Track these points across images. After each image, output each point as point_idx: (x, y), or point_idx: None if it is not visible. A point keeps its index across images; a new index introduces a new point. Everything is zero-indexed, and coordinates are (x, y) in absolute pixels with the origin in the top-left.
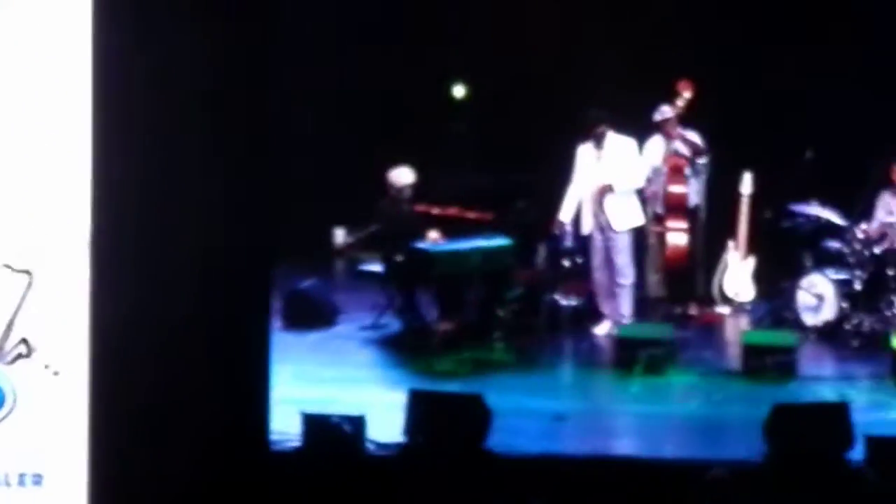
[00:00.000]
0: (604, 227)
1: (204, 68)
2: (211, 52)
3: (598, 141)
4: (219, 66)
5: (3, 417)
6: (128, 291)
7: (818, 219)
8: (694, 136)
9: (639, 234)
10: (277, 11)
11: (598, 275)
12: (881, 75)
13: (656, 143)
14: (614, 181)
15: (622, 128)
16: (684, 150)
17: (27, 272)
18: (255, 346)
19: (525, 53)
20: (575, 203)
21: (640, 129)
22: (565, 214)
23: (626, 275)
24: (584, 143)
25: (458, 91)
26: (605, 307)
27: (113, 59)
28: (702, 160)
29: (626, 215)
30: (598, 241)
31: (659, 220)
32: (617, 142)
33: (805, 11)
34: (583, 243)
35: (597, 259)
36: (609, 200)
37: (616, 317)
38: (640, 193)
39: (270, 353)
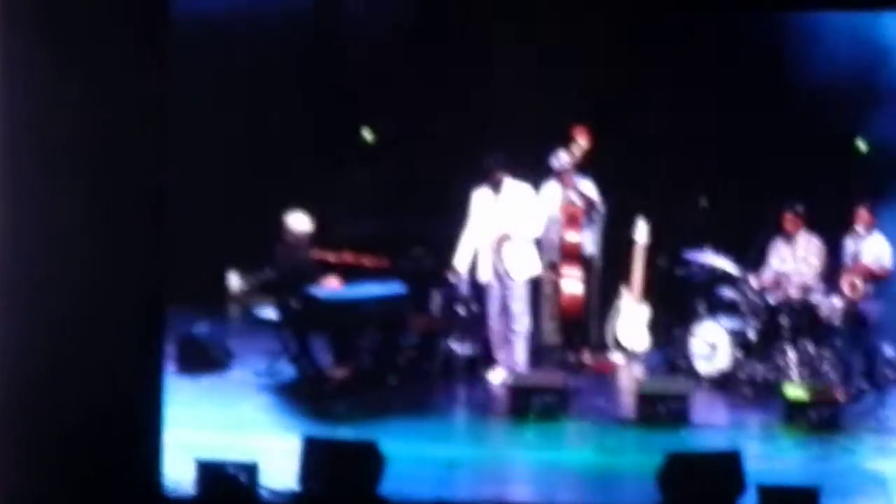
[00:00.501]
0: (502, 275)
1: (97, 109)
2: (105, 92)
3: (496, 187)
4: (113, 107)
5: None
6: (20, 333)
7: (712, 267)
8: (589, 189)
9: (535, 282)
10: (175, 54)
11: (494, 322)
12: (774, 125)
13: (553, 190)
14: (513, 230)
15: (519, 173)
16: (578, 202)
17: None
18: (147, 389)
19: (423, 99)
20: (471, 250)
21: (537, 174)
22: (461, 261)
23: (522, 322)
24: (480, 189)
25: (356, 136)
26: (499, 354)
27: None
28: (596, 211)
29: (525, 263)
30: (495, 288)
31: (554, 268)
32: (514, 188)
33: (699, 61)
34: (478, 290)
35: (493, 306)
36: (507, 248)
37: (510, 364)
38: (538, 241)
39: (163, 396)
